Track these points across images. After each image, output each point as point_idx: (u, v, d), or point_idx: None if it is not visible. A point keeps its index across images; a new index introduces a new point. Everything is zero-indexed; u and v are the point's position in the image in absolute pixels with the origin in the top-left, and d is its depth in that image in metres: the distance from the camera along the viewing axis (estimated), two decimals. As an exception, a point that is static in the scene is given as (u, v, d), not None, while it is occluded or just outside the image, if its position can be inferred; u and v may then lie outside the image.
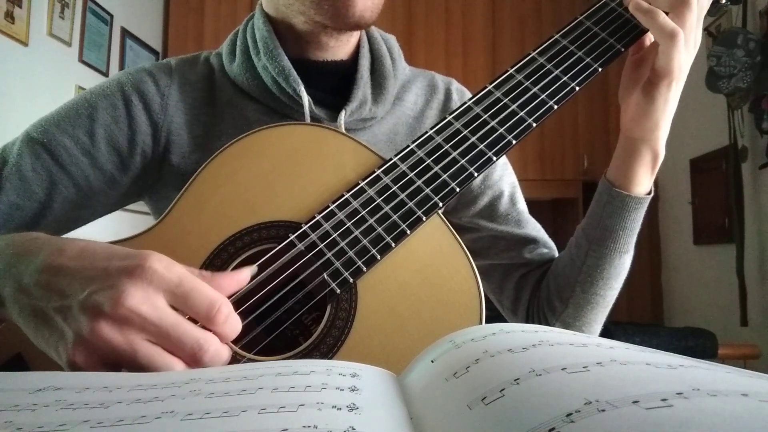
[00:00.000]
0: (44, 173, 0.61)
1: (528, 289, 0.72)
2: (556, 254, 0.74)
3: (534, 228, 0.75)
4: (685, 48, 0.54)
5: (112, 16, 2.83)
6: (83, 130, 0.62)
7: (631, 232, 0.62)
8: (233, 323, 0.38)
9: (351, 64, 0.70)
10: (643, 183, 0.61)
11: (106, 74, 2.77)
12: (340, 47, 0.68)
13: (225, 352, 0.37)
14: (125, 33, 2.94)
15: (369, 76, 0.69)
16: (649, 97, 0.56)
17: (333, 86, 0.69)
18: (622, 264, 0.64)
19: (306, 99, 0.64)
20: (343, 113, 0.65)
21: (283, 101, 0.66)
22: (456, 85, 0.79)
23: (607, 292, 0.65)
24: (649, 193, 0.62)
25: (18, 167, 0.60)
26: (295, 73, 0.64)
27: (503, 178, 0.75)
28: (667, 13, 0.53)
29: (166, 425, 0.22)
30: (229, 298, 0.40)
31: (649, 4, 0.54)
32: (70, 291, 0.36)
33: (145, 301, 0.35)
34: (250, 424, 0.21)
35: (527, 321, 0.73)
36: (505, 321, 0.71)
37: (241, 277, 0.43)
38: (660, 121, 0.57)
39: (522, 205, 0.76)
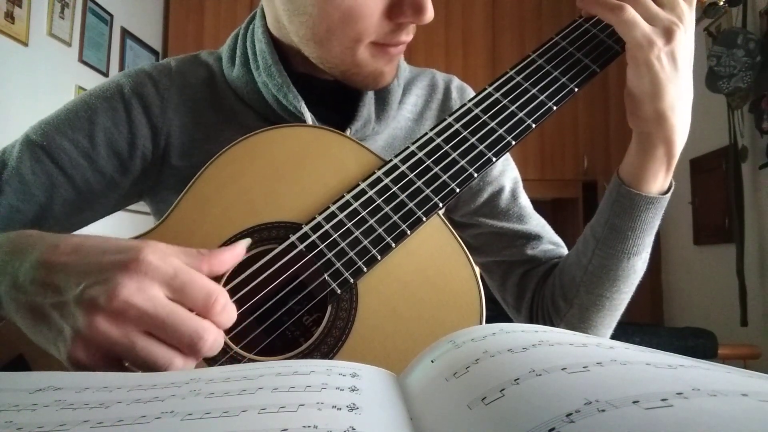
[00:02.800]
0: (44, 176, 0.60)
1: (531, 286, 0.70)
2: (564, 251, 0.72)
3: (538, 224, 0.73)
4: (654, 24, 0.51)
5: (112, 16, 2.83)
6: (83, 133, 0.62)
7: (641, 233, 0.58)
8: (230, 312, 0.38)
9: None
10: (655, 182, 0.57)
11: (106, 74, 2.78)
12: None
13: (223, 341, 0.38)
14: (125, 33, 2.94)
15: (373, 91, 0.68)
16: (633, 84, 0.53)
17: (335, 101, 0.67)
18: (632, 266, 0.60)
19: (309, 116, 0.63)
20: (348, 132, 0.64)
21: (284, 118, 0.64)
22: (456, 83, 0.77)
23: (614, 295, 0.61)
24: (665, 193, 0.58)
25: (18, 170, 0.60)
26: (295, 90, 0.63)
27: (504, 173, 0.74)
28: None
29: (166, 425, 0.22)
30: (232, 299, 0.40)
31: None
32: (65, 287, 0.36)
33: (140, 293, 0.35)
34: (250, 424, 0.21)
35: (531, 320, 0.71)
36: (507, 320, 0.70)
37: (238, 250, 0.43)
38: (658, 106, 0.53)
39: (524, 201, 0.74)
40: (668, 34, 0.51)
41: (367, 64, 0.59)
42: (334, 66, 0.60)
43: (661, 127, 0.54)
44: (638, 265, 0.60)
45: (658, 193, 0.57)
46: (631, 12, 0.51)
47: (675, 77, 0.52)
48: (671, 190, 0.59)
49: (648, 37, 0.51)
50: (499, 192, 0.73)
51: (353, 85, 0.63)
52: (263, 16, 0.66)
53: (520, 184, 0.76)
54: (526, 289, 0.71)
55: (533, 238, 0.72)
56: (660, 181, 0.57)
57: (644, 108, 0.54)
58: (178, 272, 0.36)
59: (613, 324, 0.65)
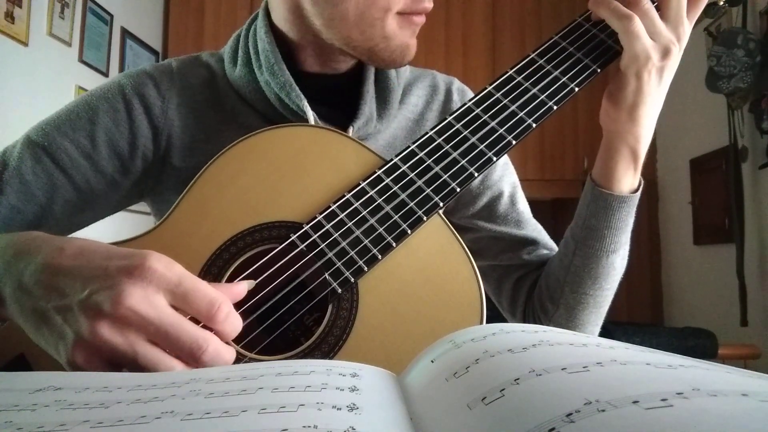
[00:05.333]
0: (45, 177, 0.60)
1: (525, 290, 0.71)
2: None
3: (534, 229, 0.74)
4: (658, 40, 0.53)
5: (112, 16, 2.83)
6: (84, 133, 0.62)
7: (617, 231, 0.61)
8: (233, 322, 0.38)
9: (355, 76, 0.68)
10: (624, 181, 0.60)
11: (106, 74, 2.77)
12: (349, 62, 0.68)
13: (225, 351, 0.37)
14: (125, 33, 2.94)
15: (374, 88, 0.68)
16: (617, 86, 0.56)
17: (337, 100, 0.67)
18: (611, 264, 0.62)
19: (311, 115, 0.63)
20: (350, 130, 0.64)
21: (286, 117, 0.64)
22: (457, 85, 0.78)
23: (597, 293, 0.63)
24: (635, 191, 0.61)
25: (19, 170, 0.60)
26: (297, 89, 0.63)
27: (503, 178, 0.74)
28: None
29: (166, 425, 0.22)
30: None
31: None
32: (70, 290, 0.36)
33: (144, 300, 0.35)
34: (250, 424, 0.21)
35: (524, 322, 0.72)
36: (505, 321, 0.70)
37: (238, 290, 0.43)
38: (634, 113, 0.56)
39: (522, 206, 0.75)
40: (665, 52, 0.54)
41: (395, 35, 0.60)
42: (361, 44, 0.60)
43: (630, 129, 0.57)
44: (617, 262, 0.63)
45: (628, 191, 0.61)
46: (637, 24, 0.52)
47: (657, 91, 0.55)
48: (640, 189, 0.62)
49: (646, 52, 0.53)
50: (499, 197, 0.73)
51: (379, 64, 0.64)
52: (266, 16, 0.67)
53: (519, 189, 0.77)
54: (520, 293, 0.72)
55: (530, 243, 0.73)
56: (629, 179, 0.60)
57: (620, 111, 0.56)
58: (182, 280, 0.37)
59: (600, 321, 0.67)
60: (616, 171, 0.59)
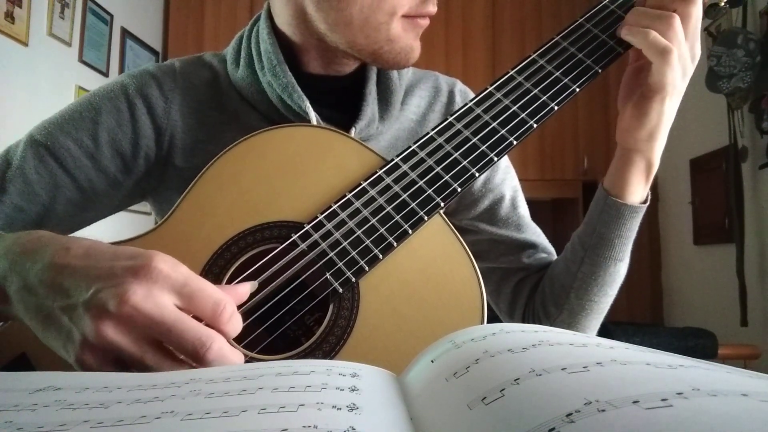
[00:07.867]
0: (48, 176, 0.61)
1: (525, 293, 0.72)
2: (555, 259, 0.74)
3: (534, 233, 0.75)
4: (680, 64, 0.54)
5: (112, 16, 2.83)
6: (87, 133, 0.62)
7: (626, 240, 0.62)
8: (236, 322, 0.39)
9: (357, 77, 0.68)
10: (637, 192, 0.61)
11: (106, 74, 2.78)
12: (352, 64, 0.68)
13: (228, 350, 0.37)
14: (125, 33, 2.94)
15: (376, 90, 0.68)
16: (642, 111, 0.57)
17: (339, 101, 0.68)
18: (617, 271, 0.64)
19: (314, 116, 0.63)
20: (352, 132, 0.64)
21: (288, 118, 0.65)
22: (459, 87, 0.78)
23: (601, 299, 0.65)
24: (644, 202, 0.62)
25: (22, 170, 0.60)
26: (300, 90, 0.63)
27: (505, 181, 0.75)
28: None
29: (166, 425, 0.22)
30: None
31: (644, 16, 0.54)
32: (75, 290, 0.36)
33: (149, 299, 0.35)
34: (250, 424, 0.21)
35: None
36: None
37: (241, 292, 0.43)
38: (654, 132, 0.58)
39: (523, 210, 0.76)
40: (684, 76, 0.56)
41: (400, 38, 0.60)
42: (365, 47, 0.61)
43: (648, 146, 0.59)
44: (621, 270, 0.65)
45: (639, 202, 0.62)
46: (675, 57, 0.53)
47: (676, 109, 0.57)
48: (648, 198, 0.63)
49: (674, 83, 0.54)
50: (500, 200, 0.74)
51: (383, 65, 0.64)
52: (268, 18, 0.67)
53: (520, 193, 0.78)
54: (520, 295, 0.73)
55: (529, 246, 0.73)
56: (641, 191, 0.62)
57: (644, 131, 0.58)
58: (188, 281, 0.37)
59: (598, 326, 0.69)
60: (631, 183, 0.61)
